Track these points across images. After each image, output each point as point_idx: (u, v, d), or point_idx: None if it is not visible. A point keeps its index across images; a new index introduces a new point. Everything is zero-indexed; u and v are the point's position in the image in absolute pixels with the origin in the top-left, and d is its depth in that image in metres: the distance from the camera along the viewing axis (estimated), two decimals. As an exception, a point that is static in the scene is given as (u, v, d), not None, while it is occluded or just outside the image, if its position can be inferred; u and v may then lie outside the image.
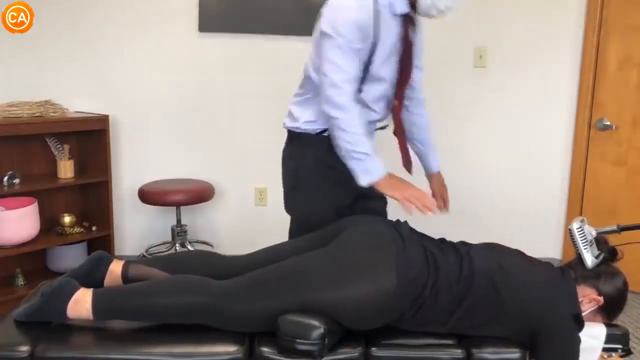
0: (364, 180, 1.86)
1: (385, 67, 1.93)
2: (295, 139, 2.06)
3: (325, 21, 1.84)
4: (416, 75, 2.11)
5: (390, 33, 1.88)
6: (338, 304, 1.62)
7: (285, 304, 1.64)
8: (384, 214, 2.21)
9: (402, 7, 1.87)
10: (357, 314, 1.64)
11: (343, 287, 1.63)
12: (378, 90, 1.96)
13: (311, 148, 2.02)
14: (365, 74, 1.90)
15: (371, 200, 2.10)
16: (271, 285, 1.68)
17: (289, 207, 2.13)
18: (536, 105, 3.56)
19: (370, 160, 1.85)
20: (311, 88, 1.99)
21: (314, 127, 2.01)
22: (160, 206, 3.40)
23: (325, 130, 1.98)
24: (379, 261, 1.67)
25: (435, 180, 2.31)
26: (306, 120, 2.01)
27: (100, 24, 3.35)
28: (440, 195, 2.29)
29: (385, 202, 2.18)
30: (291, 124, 2.06)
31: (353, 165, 1.86)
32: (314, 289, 1.65)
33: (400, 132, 2.07)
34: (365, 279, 1.64)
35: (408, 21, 1.91)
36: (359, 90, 1.91)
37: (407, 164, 2.09)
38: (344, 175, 1.92)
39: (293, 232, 2.14)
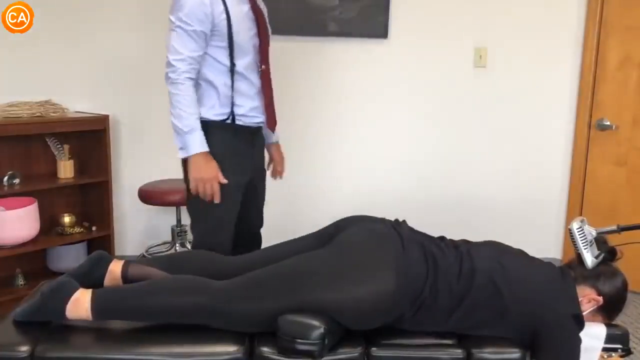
0: (180, 154, 2.05)
1: (247, 38, 2.09)
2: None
3: (170, 9, 2.01)
4: None
5: (241, 6, 2.07)
6: (338, 304, 1.62)
7: (285, 304, 1.64)
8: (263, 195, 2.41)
9: None
10: (357, 314, 1.64)
11: (343, 287, 1.63)
12: (247, 60, 2.11)
13: (217, 136, 2.10)
14: (232, 48, 2.06)
15: (259, 185, 2.34)
16: (271, 285, 1.68)
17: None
18: (536, 106, 3.56)
19: (188, 136, 2.01)
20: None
21: (217, 115, 2.10)
22: (160, 206, 3.40)
23: (228, 118, 2.12)
24: (379, 261, 1.67)
25: (274, 151, 2.46)
26: (208, 108, 2.11)
27: (101, 24, 3.35)
28: (276, 166, 2.48)
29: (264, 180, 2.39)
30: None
31: (175, 138, 2.04)
32: (314, 289, 1.64)
33: (269, 94, 2.21)
34: (365, 279, 1.64)
35: None
36: (233, 64, 2.07)
37: (272, 123, 2.25)
38: (247, 158, 2.18)
39: (200, 218, 2.17)
